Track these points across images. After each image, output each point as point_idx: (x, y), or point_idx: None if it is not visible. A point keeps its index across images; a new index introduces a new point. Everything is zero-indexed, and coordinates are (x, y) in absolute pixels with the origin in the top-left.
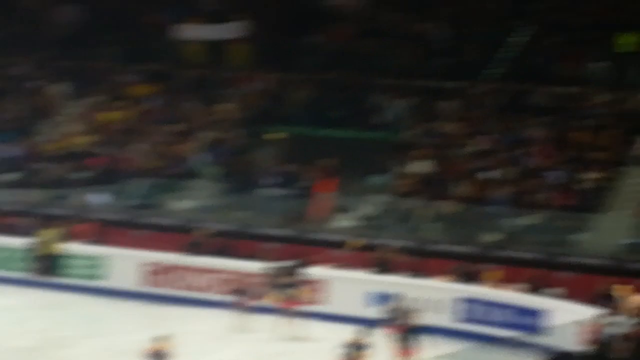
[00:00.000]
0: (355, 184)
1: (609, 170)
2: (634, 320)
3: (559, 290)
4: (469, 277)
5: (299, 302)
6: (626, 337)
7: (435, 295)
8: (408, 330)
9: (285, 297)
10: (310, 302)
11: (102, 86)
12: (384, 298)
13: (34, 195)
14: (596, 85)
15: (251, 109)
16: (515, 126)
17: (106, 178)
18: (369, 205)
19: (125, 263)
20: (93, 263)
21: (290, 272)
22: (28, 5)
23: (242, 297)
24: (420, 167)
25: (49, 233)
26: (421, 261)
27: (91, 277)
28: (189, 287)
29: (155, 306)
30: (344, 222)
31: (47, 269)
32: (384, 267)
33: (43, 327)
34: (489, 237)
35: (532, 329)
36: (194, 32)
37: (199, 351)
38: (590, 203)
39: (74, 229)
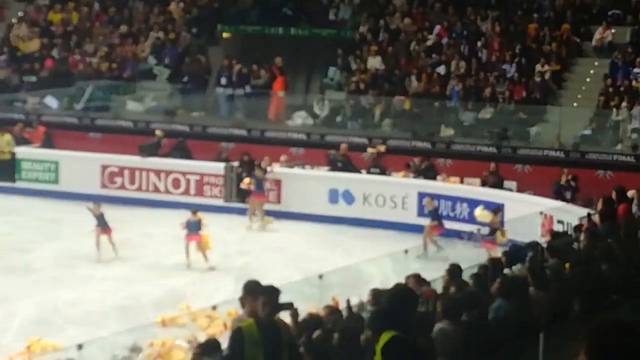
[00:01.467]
0: (309, 82)
1: (564, 62)
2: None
3: (516, 183)
4: (426, 172)
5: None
6: (578, 227)
7: (395, 191)
8: None
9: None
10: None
11: None
12: (345, 195)
13: None
14: None
15: (201, 8)
16: (466, 20)
17: (57, 81)
18: (323, 103)
19: (80, 166)
20: (48, 167)
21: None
22: None
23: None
24: (373, 63)
25: (1, 138)
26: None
27: (47, 181)
28: (145, 189)
29: (112, 209)
30: (299, 120)
31: (1, 174)
32: (343, 164)
33: (2, 232)
34: (444, 132)
35: None
36: None
37: (159, 253)
38: (545, 95)
39: (26, 133)
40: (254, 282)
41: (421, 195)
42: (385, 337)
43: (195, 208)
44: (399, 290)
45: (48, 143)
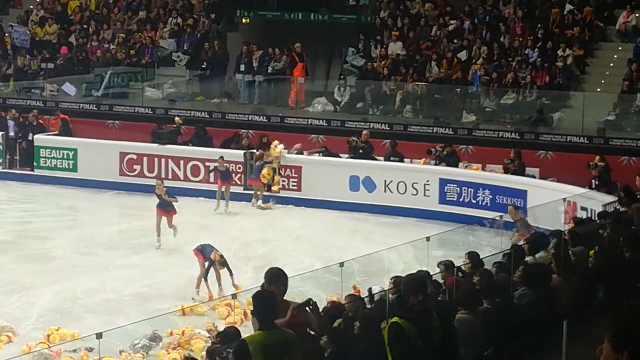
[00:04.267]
0: (329, 68)
1: (587, 47)
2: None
3: (539, 169)
4: (448, 159)
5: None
6: (602, 214)
7: (416, 178)
8: None
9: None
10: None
11: None
12: (366, 182)
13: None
14: None
15: None
16: (488, 5)
17: (74, 68)
18: (343, 89)
19: (99, 154)
20: (66, 154)
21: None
22: None
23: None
24: (394, 48)
25: (22, 125)
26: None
27: (65, 168)
28: (164, 177)
29: (131, 196)
30: (319, 106)
31: (20, 162)
32: (364, 150)
33: (20, 220)
34: (465, 118)
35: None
36: None
37: (179, 241)
38: (568, 80)
39: (43, 120)
40: (276, 269)
41: (443, 182)
42: (390, 322)
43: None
44: (407, 278)
45: (66, 131)
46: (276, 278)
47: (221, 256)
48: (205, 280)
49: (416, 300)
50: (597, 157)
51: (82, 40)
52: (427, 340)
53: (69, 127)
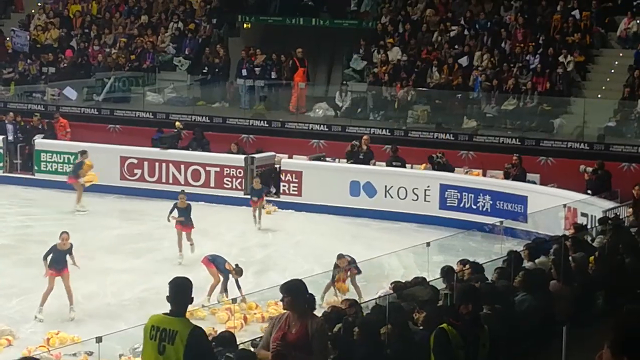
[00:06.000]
0: (330, 74)
1: (588, 53)
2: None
3: (540, 175)
4: (448, 165)
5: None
6: (603, 220)
7: (417, 184)
8: None
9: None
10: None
11: None
12: (366, 187)
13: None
14: None
15: None
16: (489, 11)
17: (76, 72)
18: (344, 94)
19: (99, 158)
20: (67, 158)
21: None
22: None
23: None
24: (394, 54)
25: (25, 130)
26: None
27: (66, 172)
28: (165, 181)
29: (131, 200)
30: (320, 111)
31: (22, 166)
32: (364, 155)
33: (20, 224)
34: (466, 124)
35: (514, 215)
36: None
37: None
38: (569, 87)
39: (45, 124)
40: (298, 281)
41: (443, 188)
42: (437, 328)
43: None
44: (459, 287)
45: (69, 134)
46: (295, 290)
47: (237, 265)
48: (225, 292)
49: (466, 310)
50: (595, 164)
51: (84, 45)
52: (472, 352)
53: (54, 130)
